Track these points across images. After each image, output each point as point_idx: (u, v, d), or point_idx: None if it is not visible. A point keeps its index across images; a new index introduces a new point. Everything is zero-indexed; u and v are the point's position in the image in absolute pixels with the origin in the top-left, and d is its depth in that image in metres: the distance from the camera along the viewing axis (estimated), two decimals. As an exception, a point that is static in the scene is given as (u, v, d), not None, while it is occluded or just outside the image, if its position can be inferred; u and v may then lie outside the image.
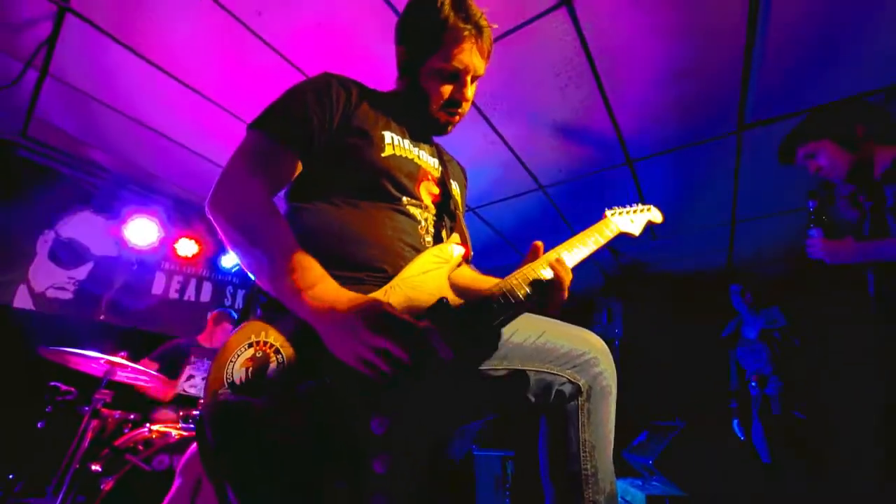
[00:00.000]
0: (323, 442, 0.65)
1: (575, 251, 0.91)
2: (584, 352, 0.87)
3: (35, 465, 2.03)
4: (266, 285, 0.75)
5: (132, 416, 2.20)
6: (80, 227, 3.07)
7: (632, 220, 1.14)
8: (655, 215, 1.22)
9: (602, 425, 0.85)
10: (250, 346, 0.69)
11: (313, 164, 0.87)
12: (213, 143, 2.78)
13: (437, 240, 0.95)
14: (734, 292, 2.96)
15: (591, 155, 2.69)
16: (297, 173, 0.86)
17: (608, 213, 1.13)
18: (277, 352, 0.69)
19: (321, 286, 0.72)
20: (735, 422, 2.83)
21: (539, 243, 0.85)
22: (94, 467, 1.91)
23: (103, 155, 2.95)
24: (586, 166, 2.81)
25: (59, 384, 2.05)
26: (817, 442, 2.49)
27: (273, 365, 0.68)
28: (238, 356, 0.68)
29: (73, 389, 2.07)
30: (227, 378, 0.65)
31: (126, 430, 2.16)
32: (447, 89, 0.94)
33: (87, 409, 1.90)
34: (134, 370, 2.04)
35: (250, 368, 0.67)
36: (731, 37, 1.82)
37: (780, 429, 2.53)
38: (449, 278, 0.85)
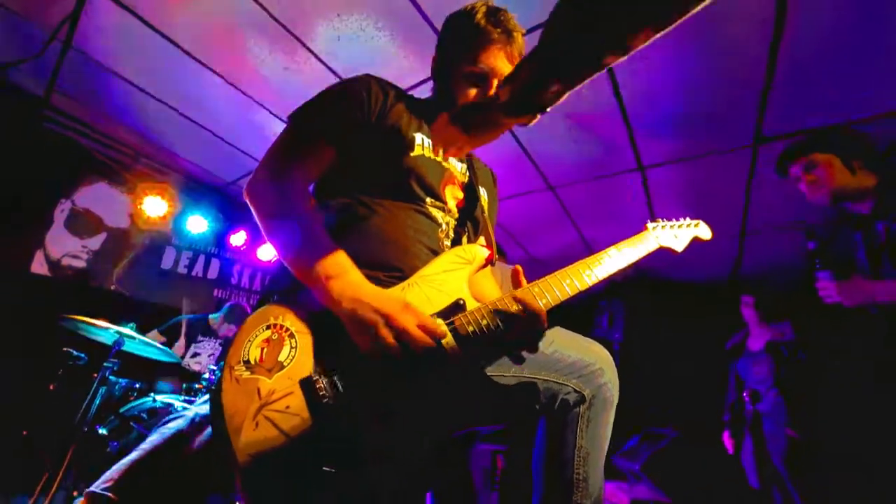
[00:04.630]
0: (322, 432, 0.68)
1: (606, 263, 0.93)
2: (591, 363, 0.90)
3: (46, 424, 2.11)
4: (295, 269, 0.78)
5: (137, 385, 2.28)
6: (96, 198, 3.14)
7: (676, 235, 1.12)
8: (704, 232, 1.18)
9: (599, 434, 0.89)
10: (268, 328, 0.73)
11: (345, 158, 0.89)
12: (231, 124, 2.81)
13: (457, 244, 0.97)
14: (746, 304, 2.87)
15: (603, 158, 2.68)
16: (329, 166, 0.90)
17: (650, 226, 1.10)
18: (292, 336, 0.73)
19: (349, 277, 0.75)
20: (725, 434, 2.83)
21: (518, 267, 0.86)
22: (100, 430, 1.99)
23: (122, 128, 2.99)
24: (597, 169, 2.81)
25: (71, 349, 2.13)
26: (811, 462, 2.47)
27: (287, 348, 0.72)
28: (256, 336, 0.72)
29: (83, 356, 2.15)
30: (243, 356, 0.70)
31: (132, 398, 2.24)
32: (473, 91, 0.95)
33: (96, 375, 1.97)
34: (141, 341, 2.10)
35: (265, 349, 0.71)
36: (754, 50, 1.80)
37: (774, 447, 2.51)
38: (469, 280, 0.86)
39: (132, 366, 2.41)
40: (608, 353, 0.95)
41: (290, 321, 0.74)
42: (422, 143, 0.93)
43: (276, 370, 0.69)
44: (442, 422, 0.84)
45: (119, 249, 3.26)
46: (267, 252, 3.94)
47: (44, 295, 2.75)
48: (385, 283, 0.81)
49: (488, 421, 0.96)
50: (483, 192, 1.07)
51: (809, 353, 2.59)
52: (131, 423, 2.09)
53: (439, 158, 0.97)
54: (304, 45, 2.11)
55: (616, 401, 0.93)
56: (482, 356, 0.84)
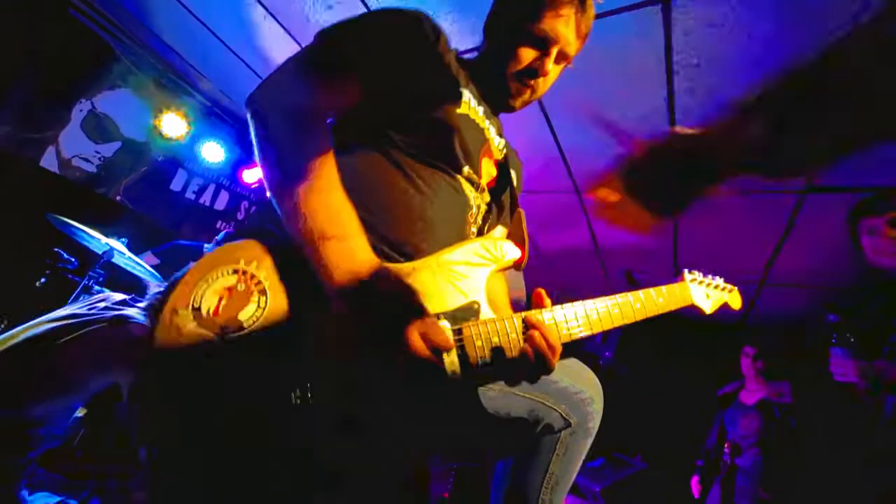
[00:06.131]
0: (274, 424, 0.55)
1: (638, 307, 0.81)
2: (581, 390, 0.86)
3: (23, 318, 2.11)
4: (286, 213, 0.60)
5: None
6: (117, 104, 3.07)
7: (707, 294, 0.99)
8: (735, 300, 1.05)
9: (572, 463, 0.85)
10: (234, 272, 0.58)
11: (372, 102, 0.74)
12: (264, 56, 2.69)
13: (481, 233, 0.87)
14: (746, 354, 2.76)
15: (639, 173, 2.53)
16: (352, 102, 0.73)
17: (687, 276, 0.96)
18: (264, 293, 0.58)
19: (350, 242, 0.59)
20: (694, 479, 2.77)
21: (541, 291, 0.71)
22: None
23: (154, 39, 2.90)
24: (629, 183, 2.65)
25: (62, 251, 2.10)
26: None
27: (253, 307, 0.57)
28: (216, 279, 0.57)
29: (74, 260, 2.13)
30: (193, 300, 0.56)
31: (115, 311, 2.22)
32: (529, 55, 0.82)
33: (80, 281, 1.95)
34: (131, 258, 2.07)
35: (224, 300, 0.56)
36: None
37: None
38: (488, 280, 0.73)
39: (120, 281, 2.39)
40: (598, 381, 0.90)
41: (266, 272, 0.58)
42: (468, 101, 0.80)
43: (231, 331, 0.55)
44: (420, 445, 0.71)
45: (131, 161, 3.21)
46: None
47: (48, 192, 2.73)
48: (391, 260, 0.67)
49: (466, 443, 0.89)
50: (514, 175, 0.96)
51: (800, 421, 2.50)
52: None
53: (483, 125, 0.84)
54: (352, -16, 1.97)
55: (596, 432, 0.89)
56: (480, 376, 0.72)
